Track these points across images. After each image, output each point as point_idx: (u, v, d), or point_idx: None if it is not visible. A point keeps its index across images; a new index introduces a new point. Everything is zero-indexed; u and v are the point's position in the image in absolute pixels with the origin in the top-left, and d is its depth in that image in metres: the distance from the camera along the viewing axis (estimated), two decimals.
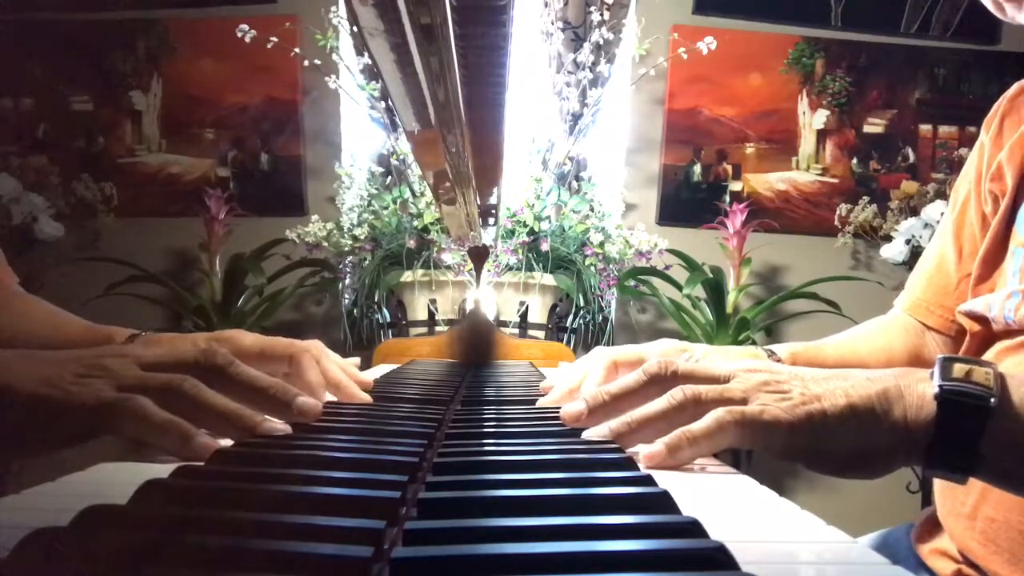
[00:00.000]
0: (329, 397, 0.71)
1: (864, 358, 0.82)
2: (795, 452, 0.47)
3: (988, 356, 0.73)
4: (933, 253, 0.86)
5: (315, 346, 0.72)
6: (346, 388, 0.70)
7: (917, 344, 0.85)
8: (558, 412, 0.63)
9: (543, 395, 0.72)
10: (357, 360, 0.81)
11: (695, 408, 0.49)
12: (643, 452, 0.48)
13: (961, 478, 0.45)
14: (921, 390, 0.46)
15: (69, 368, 0.46)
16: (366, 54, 1.99)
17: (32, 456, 0.47)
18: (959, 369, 0.46)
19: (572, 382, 0.73)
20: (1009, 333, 0.70)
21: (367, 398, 0.70)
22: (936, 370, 0.47)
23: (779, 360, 0.79)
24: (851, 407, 0.46)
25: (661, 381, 0.52)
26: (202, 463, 0.41)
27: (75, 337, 0.74)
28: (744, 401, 0.48)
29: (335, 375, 0.70)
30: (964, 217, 0.82)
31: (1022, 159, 0.74)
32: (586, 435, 0.51)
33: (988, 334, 0.74)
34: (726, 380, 0.51)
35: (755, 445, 0.47)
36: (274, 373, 0.72)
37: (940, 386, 0.45)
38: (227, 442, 0.47)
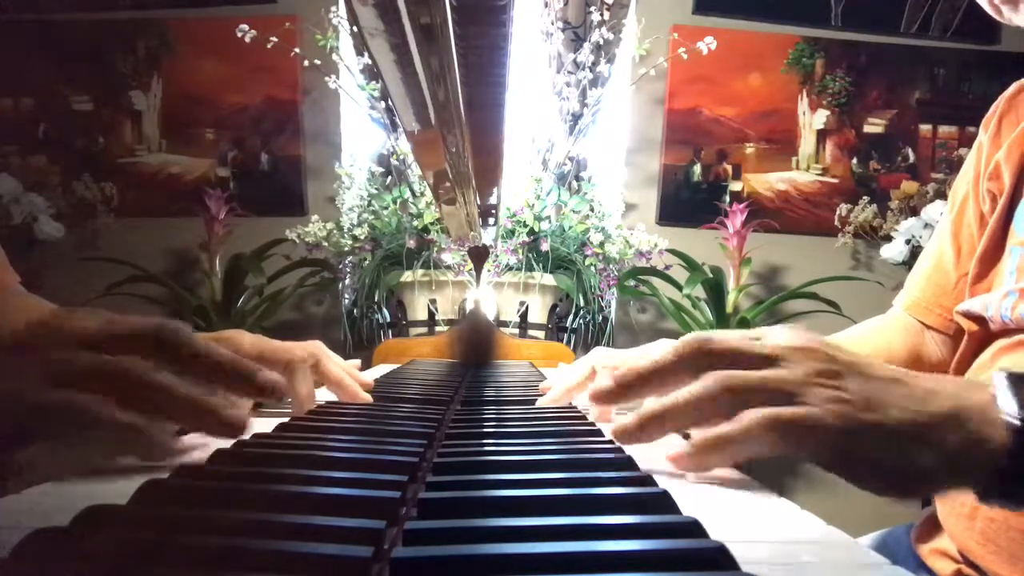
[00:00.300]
0: (329, 397, 0.71)
1: None
2: (838, 464, 0.40)
3: (985, 356, 0.73)
4: (932, 252, 0.86)
5: (316, 347, 0.71)
6: (348, 387, 0.70)
7: (916, 343, 0.85)
8: (558, 412, 0.63)
9: (543, 395, 0.72)
10: (357, 362, 0.81)
11: (732, 398, 0.41)
12: (668, 453, 0.44)
13: (1020, 508, 0.41)
14: (986, 414, 0.41)
15: None
16: (366, 54, 1.99)
17: None
18: None
19: (571, 381, 0.73)
20: (1006, 332, 0.70)
21: (368, 398, 0.70)
22: (1004, 392, 0.41)
23: None
24: (914, 424, 0.40)
25: (695, 359, 0.44)
26: (201, 463, 0.41)
27: None
28: (791, 395, 0.41)
29: (337, 374, 0.71)
30: (962, 217, 0.82)
31: (1020, 158, 0.74)
32: (614, 427, 0.46)
33: (986, 334, 0.74)
34: (774, 361, 0.43)
35: (796, 452, 0.40)
36: None
37: (1020, 417, 0.40)
38: (224, 441, 0.47)
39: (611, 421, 0.69)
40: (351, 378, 0.72)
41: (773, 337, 0.45)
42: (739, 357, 0.43)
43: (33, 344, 0.39)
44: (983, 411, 0.41)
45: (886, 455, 0.40)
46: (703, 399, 0.42)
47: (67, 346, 0.40)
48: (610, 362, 0.72)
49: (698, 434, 0.43)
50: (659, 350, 0.46)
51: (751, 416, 0.40)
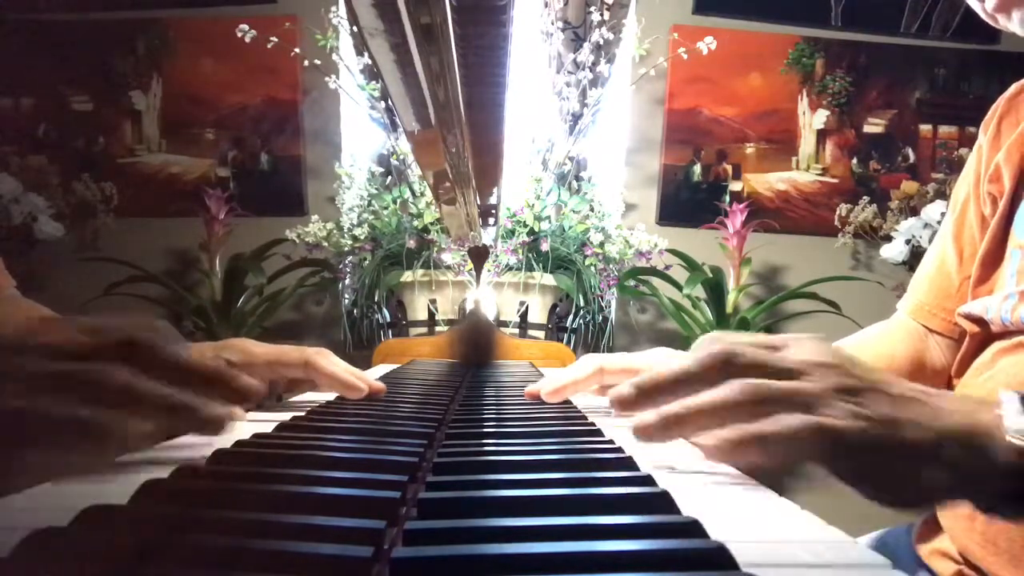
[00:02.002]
0: (329, 397, 0.71)
1: None
2: (851, 475, 0.42)
3: (985, 357, 0.73)
4: (934, 255, 0.86)
5: (323, 352, 0.72)
6: (347, 380, 0.71)
7: (920, 348, 0.84)
8: (558, 412, 0.63)
9: (536, 394, 0.72)
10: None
11: (757, 407, 0.42)
12: (702, 443, 0.43)
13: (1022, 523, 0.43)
14: (994, 433, 0.42)
15: None
16: (366, 54, 1.99)
17: None
18: None
19: (577, 375, 0.73)
20: (1006, 334, 0.70)
21: (381, 386, 0.70)
22: (1012, 412, 0.43)
23: None
24: (927, 442, 0.41)
25: (720, 370, 0.45)
26: (201, 463, 0.41)
27: None
28: (812, 407, 0.42)
29: (331, 371, 0.71)
30: (964, 219, 0.82)
31: (1020, 160, 0.74)
32: (635, 424, 0.45)
33: (987, 335, 0.74)
34: (796, 375, 0.44)
35: (821, 461, 0.41)
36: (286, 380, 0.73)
37: None
38: (225, 441, 0.47)
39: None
40: (354, 374, 0.72)
41: (797, 349, 0.46)
42: (767, 369, 0.44)
43: (5, 356, 0.39)
44: (992, 430, 0.42)
45: (899, 470, 0.42)
46: (728, 405, 0.43)
47: (40, 356, 0.40)
48: (617, 364, 0.72)
49: (732, 431, 0.42)
50: (681, 360, 0.47)
51: (792, 420, 0.41)
